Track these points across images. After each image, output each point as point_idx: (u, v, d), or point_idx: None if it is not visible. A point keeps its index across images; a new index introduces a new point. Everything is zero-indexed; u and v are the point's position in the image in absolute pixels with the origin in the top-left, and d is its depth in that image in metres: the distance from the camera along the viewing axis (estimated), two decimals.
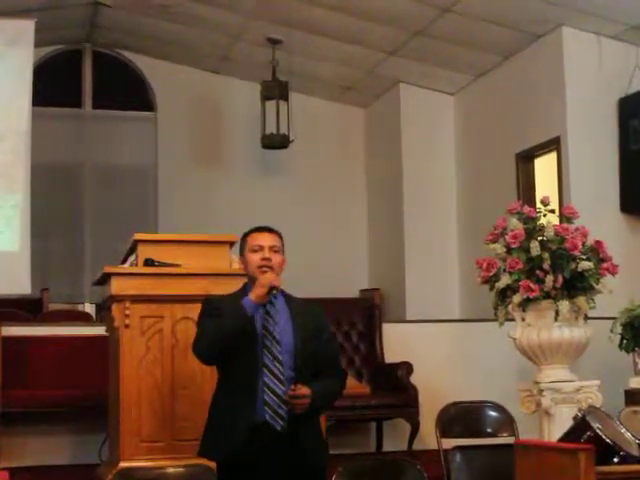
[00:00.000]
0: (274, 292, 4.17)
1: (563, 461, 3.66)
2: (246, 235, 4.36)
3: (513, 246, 5.36)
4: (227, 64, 11.00)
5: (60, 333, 7.42)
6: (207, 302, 4.30)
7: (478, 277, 5.55)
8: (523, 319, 5.46)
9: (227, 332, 4.07)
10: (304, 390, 4.05)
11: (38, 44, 8.79)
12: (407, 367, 7.26)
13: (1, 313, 7.83)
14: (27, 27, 8.44)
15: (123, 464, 4.99)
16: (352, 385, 7.03)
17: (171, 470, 4.34)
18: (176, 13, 9.74)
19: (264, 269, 4.21)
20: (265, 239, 4.29)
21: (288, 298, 4.29)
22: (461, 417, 5.76)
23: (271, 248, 4.27)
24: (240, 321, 4.08)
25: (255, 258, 4.25)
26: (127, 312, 5.19)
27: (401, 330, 8.11)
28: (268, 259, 4.23)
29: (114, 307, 5.25)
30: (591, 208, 7.27)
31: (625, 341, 7.18)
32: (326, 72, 10.70)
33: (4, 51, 8.36)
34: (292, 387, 4.04)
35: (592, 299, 5.41)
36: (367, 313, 7.92)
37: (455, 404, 5.78)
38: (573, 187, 8.37)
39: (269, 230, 4.35)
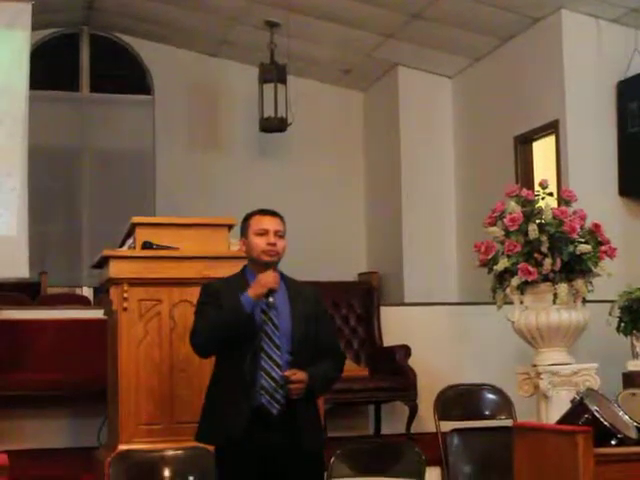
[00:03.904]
0: (271, 297, 4.12)
1: (561, 443, 3.67)
2: (249, 217, 4.31)
3: (511, 229, 5.37)
4: (225, 47, 10.96)
5: (58, 316, 7.41)
6: (205, 288, 4.28)
7: (476, 260, 5.56)
8: (521, 302, 5.47)
9: (225, 329, 4.08)
10: (299, 375, 4.06)
11: (35, 27, 8.73)
12: (405, 350, 7.25)
13: None
14: (24, 10, 8.39)
15: (122, 447, 4.99)
16: (350, 368, 7.04)
17: (170, 453, 4.35)
18: None
19: (271, 253, 4.19)
20: (270, 223, 4.26)
21: (287, 281, 4.28)
22: (459, 400, 5.79)
23: (276, 232, 4.24)
24: (238, 318, 4.06)
25: (260, 242, 4.21)
26: (125, 295, 5.19)
27: (399, 313, 8.11)
28: (274, 244, 4.21)
29: (112, 290, 5.25)
30: (589, 191, 7.28)
31: (623, 324, 7.19)
32: (324, 55, 10.68)
33: (1, 34, 8.32)
34: (287, 372, 4.05)
35: (590, 282, 5.43)
36: (365, 296, 7.91)
37: (453, 387, 5.80)
38: (571, 170, 8.36)
39: (274, 214, 4.31)
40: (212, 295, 4.20)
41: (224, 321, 4.08)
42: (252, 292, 4.09)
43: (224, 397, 4.14)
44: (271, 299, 4.13)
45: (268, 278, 4.12)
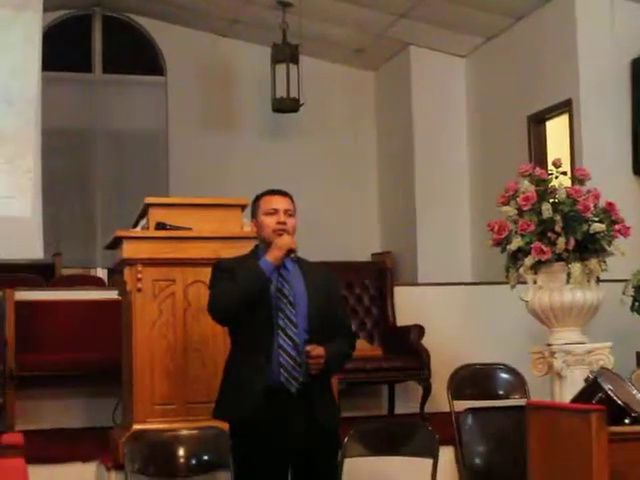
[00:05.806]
0: (292, 255, 4.19)
1: (575, 422, 3.68)
2: (259, 198, 4.35)
3: (525, 208, 5.34)
4: (237, 27, 10.95)
5: (73, 297, 7.44)
6: (218, 265, 4.32)
7: (490, 240, 5.54)
8: (535, 282, 5.44)
9: (246, 292, 4.10)
10: (319, 350, 4.09)
11: (47, 9, 8.76)
12: (419, 330, 7.24)
13: (14, 278, 7.86)
14: None
15: (136, 427, 5.02)
16: (364, 347, 7.06)
17: (184, 432, 4.38)
18: None
19: (280, 233, 4.22)
20: (279, 202, 4.29)
21: (301, 261, 4.30)
22: (473, 379, 5.79)
23: (286, 212, 4.28)
24: (259, 281, 4.10)
25: (270, 222, 4.25)
26: (139, 276, 5.19)
27: (413, 293, 8.10)
28: (284, 223, 4.25)
29: (126, 271, 5.25)
30: (603, 170, 7.24)
31: (637, 303, 7.17)
32: (336, 35, 10.65)
33: (14, 16, 8.33)
34: (308, 347, 4.08)
35: (604, 261, 5.40)
36: (379, 276, 7.91)
37: (467, 367, 5.81)
38: (585, 149, 8.34)
39: (283, 193, 4.34)
40: (226, 271, 4.23)
41: (243, 285, 4.11)
42: (271, 256, 4.15)
43: (242, 374, 4.16)
44: (292, 255, 4.18)
45: (285, 240, 4.17)
